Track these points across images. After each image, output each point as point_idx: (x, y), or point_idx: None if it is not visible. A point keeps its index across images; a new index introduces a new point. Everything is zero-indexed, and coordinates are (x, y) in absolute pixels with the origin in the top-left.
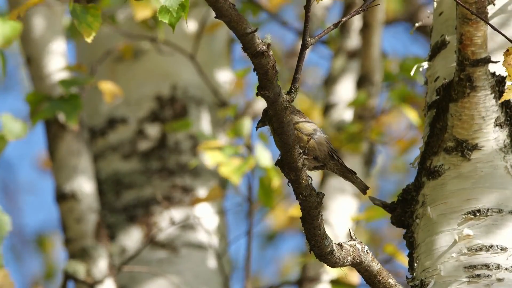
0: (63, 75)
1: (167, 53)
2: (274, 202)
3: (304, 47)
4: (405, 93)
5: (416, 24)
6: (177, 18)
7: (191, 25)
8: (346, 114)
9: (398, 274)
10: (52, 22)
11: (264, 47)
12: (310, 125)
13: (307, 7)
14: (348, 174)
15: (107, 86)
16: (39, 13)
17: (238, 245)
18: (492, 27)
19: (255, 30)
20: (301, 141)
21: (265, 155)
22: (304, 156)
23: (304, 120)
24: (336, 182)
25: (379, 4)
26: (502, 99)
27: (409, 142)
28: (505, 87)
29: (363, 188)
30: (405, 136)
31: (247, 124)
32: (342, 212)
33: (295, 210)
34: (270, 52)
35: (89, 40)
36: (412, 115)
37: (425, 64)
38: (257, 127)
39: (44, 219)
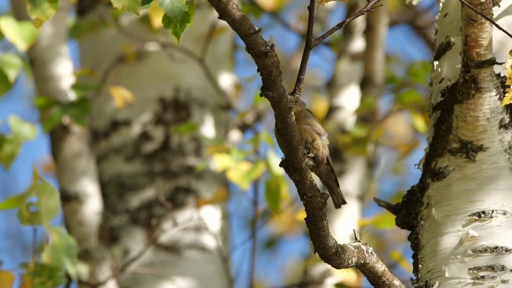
0: (68, 78)
1: (173, 56)
2: (281, 206)
3: (308, 47)
4: (412, 98)
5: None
6: (182, 28)
7: (195, 28)
8: (350, 117)
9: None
10: (56, 24)
11: (268, 47)
12: (321, 126)
13: (311, 8)
14: (333, 184)
15: (118, 92)
16: None
17: (242, 248)
18: (498, 26)
19: (259, 31)
20: (311, 136)
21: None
22: (308, 154)
23: (315, 120)
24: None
25: (382, 5)
26: (503, 104)
27: (411, 144)
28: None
29: (340, 202)
30: (411, 141)
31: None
32: (344, 215)
33: (302, 214)
34: (274, 53)
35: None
36: (418, 120)
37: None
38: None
39: None
